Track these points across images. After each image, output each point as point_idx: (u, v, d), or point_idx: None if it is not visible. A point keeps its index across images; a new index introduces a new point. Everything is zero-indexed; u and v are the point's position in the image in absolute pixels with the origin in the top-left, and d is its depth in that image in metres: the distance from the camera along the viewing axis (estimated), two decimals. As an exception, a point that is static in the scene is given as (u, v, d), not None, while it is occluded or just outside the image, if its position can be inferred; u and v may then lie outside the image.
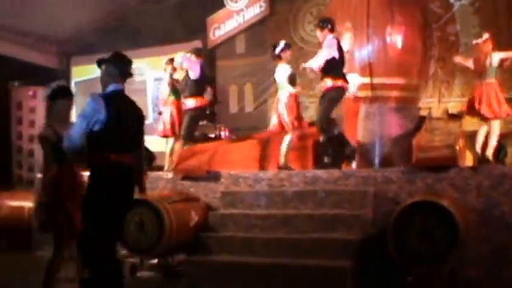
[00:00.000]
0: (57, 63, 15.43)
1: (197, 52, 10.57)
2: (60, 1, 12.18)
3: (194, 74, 10.26)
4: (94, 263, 5.15)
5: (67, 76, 15.27)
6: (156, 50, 14.01)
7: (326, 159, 9.26)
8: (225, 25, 13.87)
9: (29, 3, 12.26)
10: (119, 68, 5.38)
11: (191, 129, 10.28)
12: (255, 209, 8.40)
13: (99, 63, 5.47)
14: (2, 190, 11.53)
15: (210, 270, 7.73)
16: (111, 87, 5.35)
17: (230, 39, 13.85)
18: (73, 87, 14.97)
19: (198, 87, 10.28)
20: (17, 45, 14.23)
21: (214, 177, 8.96)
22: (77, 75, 15.37)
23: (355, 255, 7.19)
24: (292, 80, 9.40)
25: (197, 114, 10.35)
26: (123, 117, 5.27)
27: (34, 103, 14.65)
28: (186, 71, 10.41)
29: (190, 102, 10.22)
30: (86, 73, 14.74)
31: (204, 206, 8.66)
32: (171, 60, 10.74)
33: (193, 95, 10.22)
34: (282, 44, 9.58)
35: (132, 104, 5.53)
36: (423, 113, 11.18)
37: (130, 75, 5.48)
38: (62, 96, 6.29)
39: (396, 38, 10.33)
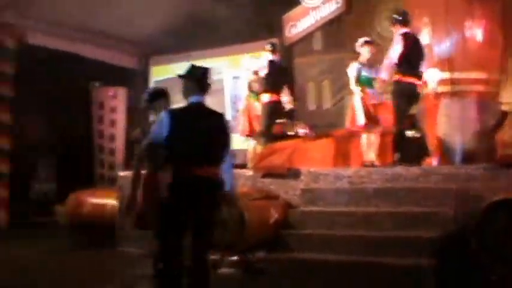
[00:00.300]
0: (137, 64, 15.70)
1: (271, 48, 10.72)
2: (139, 2, 12.39)
3: (264, 71, 10.48)
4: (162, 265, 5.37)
5: (146, 76, 15.53)
6: (233, 49, 14.11)
7: (396, 156, 9.18)
8: (301, 22, 13.83)
9: (109, 5, 12.50)
10: (195, 82, 5.49)
11: (267, 122, 10.45)
12: (335, 207, 8.44)
13: (179, 77, 5.59)
14: (84, 188, 11.79)
15: (290, 268, 7.80)
16: (190, 99, 5.47)
17: (307, 37, 13.80)
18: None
19: (270, 83, 10.51)
20: (98, 47, 14.56)
21: (294, 174, 9.01)
22: (156, 75, 15.58)
23: (436, 253, 7.11)
24: (361, 80, 9.46)
25: (271, 107, 10.52)
26: (193, 128, 5.33)
27: (115, 103, 14.97)
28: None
29: (263, 97, 10.49)
30: (165, 73, 14.95)
31: (283, 203, 8.72)
32: None
33: (266, 90, 10.43)
34: (360, 40, 9.63)
35: (212, 115, 5.56)
36: (505, 108, 10.92)
37: (208, 86, 5.56)
38: (159, 98, 6.46)
39: (476, 32, 10.17)
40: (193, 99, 5.45)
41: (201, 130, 5.33)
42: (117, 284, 7.30)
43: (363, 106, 9.35)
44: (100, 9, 12.62)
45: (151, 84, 15.23)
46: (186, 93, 5.49)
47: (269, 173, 9.18)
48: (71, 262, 9.15)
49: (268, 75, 10.56)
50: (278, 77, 10.70)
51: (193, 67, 5.60)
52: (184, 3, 13.46)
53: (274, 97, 10.51)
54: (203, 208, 5.32)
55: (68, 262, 9.13)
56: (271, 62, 10.69)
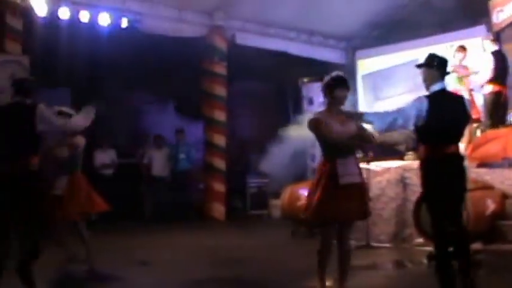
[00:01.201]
0: (343, 58, 15.93)
1: (494, 38, 10.66)
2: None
3: (487, 65, 10.60)
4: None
5: (353, 70, 15.64)
6: (437, 39, 13.90)
7: None
8: (508, 7, 13.33)
9: (316, 4, 12.79)
10: (437, 70, 5.77)
11: (489, 113, 10.49)
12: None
13: (419, 66, 5.89)
14: (297, 181, 12.11)
15: (509, 259, 7.66)
16: (433, 87, 5.75)
17: (516, 21, 13.31)
18: (359, 81, 15.46)
19: (493, 74, 10.48)
20: (307, 44, 15.01)
21: (510, 164, 8.80)
22: (362, 69, 15.72)
23: None
24: None
25: (494, 98, 10.49)
26: (446, 112, 5.65)
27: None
28: None
29: (486, 89, 10.58)
30: (370, 66, 15.09)
31: (500, 193, 8.56)
32: (461, 48, 10.94)
33: (490, 81, 10.53)
34: None
35: (456, 99, 5.93)
36: None
37: (448, 73, 5.90)
38: (337, 86, 6.20)
39: None
40: (437, 87, 5.75)
41: (449, 113, 5.67)
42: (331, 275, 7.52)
43: None
44: (308, 8, 12.95)
45: (358, 78, 15.42)
46: (429, 82, 5.78)
47: (484, 163, 9.03)
48: (287, 253, 9.50)
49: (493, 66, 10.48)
50: (501, 67, 10.55)
51: (431, 56, 5.88)
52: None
53: (497, 88, 10.37)
54: (460, 181, 5.73)
55: (285, 253, 9.50)
56: (495, 53, 10.65)
